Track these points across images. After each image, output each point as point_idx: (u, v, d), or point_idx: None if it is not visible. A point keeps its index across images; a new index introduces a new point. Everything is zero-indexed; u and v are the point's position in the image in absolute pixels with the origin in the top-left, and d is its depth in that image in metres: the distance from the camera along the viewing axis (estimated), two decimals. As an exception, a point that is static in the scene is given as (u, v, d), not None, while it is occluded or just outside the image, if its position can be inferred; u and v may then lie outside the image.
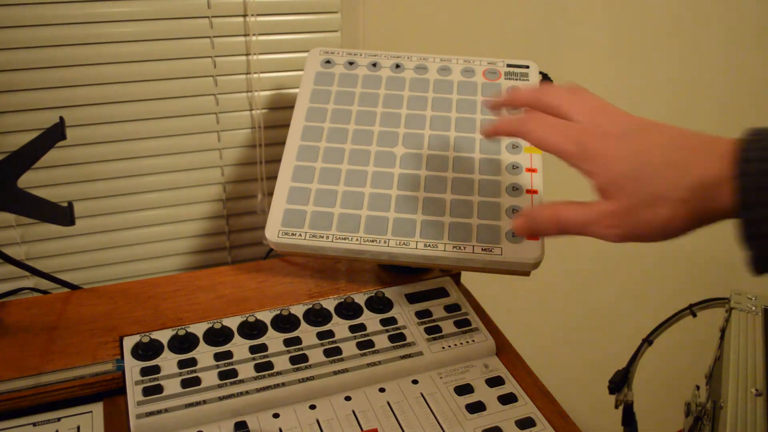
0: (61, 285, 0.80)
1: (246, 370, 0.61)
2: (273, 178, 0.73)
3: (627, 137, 0.49)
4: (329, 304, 0.69)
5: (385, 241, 0.65)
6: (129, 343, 0.64)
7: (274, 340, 0.65)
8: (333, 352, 0.64)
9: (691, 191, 0.45)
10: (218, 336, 0.64)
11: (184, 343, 0.63)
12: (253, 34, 0.84)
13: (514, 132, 0.55)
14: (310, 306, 0.68)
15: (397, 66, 0.78)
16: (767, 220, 0.42)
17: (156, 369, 0.61)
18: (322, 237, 0.65)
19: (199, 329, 0.65)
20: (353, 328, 0.67)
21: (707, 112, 1.23)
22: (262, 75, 0.87)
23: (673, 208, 0.46)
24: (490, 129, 0.57)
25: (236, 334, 0.65)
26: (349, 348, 0.64)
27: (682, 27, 1.15)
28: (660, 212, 0.46)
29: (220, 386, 0.60)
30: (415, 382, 0.64)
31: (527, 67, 0.78)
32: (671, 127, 0.49)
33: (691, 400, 0.73)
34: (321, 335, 0.66)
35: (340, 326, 0.67)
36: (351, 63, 0.78)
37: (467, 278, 0.76)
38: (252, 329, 0.65)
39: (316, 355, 0.63)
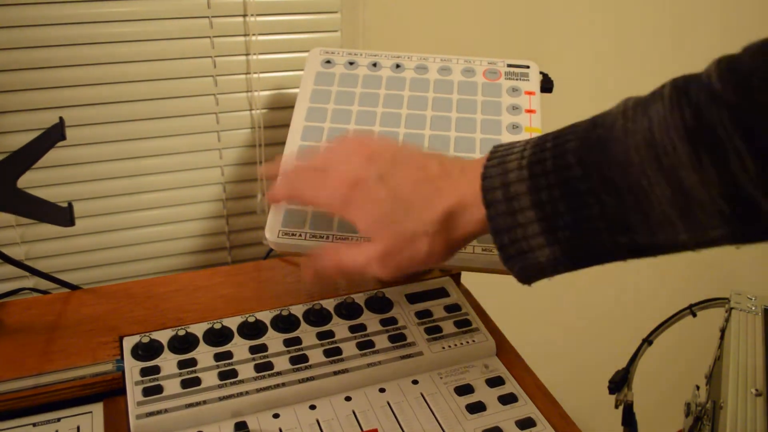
0: (61, 285, 0.80)
1: (246, 371, 0.61)
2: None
3: (383, 179, 0.51)
4: (329, 304, 0.69)
5: (385, 242, 0.65)
6: (129, 343, 0.63)
7: (274, 340, 0.65)
8: (333, 353, 0.64)
9: (441, 223, 0.49)
10: (218, 336, 0.64)
11: (184, 344, 0.63)
12: (253, 34, 0.84)
13: (289, 197, 0.59)
14: (310, 306, 0.68)
15: (397, 66, 0.78)
16: (516, 242, 0.45)
17: (156, 369, 0.61)
18: (322, 237, 0.65)
19: (199, 329, 0.65)
20: (353, 329, 0.67)
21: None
22: (262, 75, 0.87)
23: (429, 241, 0.49)
24: (269, 196, 0.61)
25: (236, 334, 0.65)
26: (349, 348, 0.64)
27: (682, 27, 1.15)
28: (418, 247, 0.50)
29: (220, 386, 0.60)
30: (415, 382, 0.63)
31: (527, 67, 0.78)
32: (428, 157, 0.52)
33: (691, 400, 0.73)
34: (321, 335, 0.66)
35: (340, 326, 0.67)
36: (351, 63, 0.78)
37: (467, 278, 0.76)
38: (252, 329, 0.65)
39: (316, 356, 0.63)
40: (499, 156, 0.47)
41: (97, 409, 0.60)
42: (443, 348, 0.66)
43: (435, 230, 0.49)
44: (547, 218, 0.44)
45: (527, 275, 0.47)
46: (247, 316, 0.66)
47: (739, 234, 0.40)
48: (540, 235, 0.44)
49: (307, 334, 0.66)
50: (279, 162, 0.63)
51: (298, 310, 0.68)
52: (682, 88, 0.41)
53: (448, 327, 0.68)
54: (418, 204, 0.50)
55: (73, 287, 0.79)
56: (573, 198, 0.43)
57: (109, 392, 0.61)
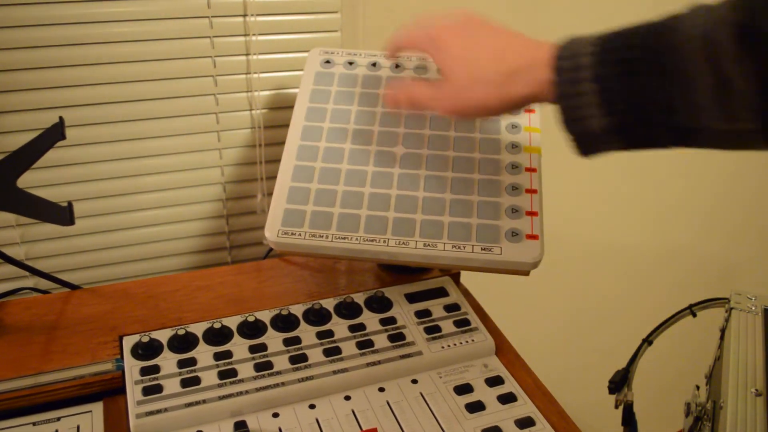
0: (61, 285, 0.80)
1: (246, 370, 0.61)
2: (273, 178, 0.73)
3: (466, 31, 0.60)
4: (329, 303, 0.69)
5: (384, 241, 0.65)
6: (129, 342, 0.64)
7: (273, 339, 0.65)
8: (332, 352, 0.64)
9: (503, 75, 0.55)
10: (218, 336, 0.64)
11: (183, 343, 0.63)
12: (253, 34, 0.84)
13: (397, 41, 0.69)
14: (310, 306, 0.68)
15: (397, 66, 0.78)
16: (575, 109, 0.50)
17: (156, 368, 0.61)
18: (322, 237, 0.65)
19: (198, 329, 0.65)
20: (353, 328, 0.67)
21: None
22: (262, 75, 0.87)
23: (486, 89, 0.56)
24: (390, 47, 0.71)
25: (236, 333, 0.65)
26: (348, 348, 0.64)
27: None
28: (476, 93, 0.57)
29: (219, 386, 0.60)
30: (414, 381, 0.64)
31: (527, 67, 0.78)
32: (507, 30, 0.59)
33: (691, 400, 0.73)
34: (320, 335, 0.66)
35: (339, 326, 0.67)
36: (351, 63, 0.78)
37: (467, 278, 0.76)
38: (251, 329, 0.65)
39: (315, 355, 0.63)
40: (578, 37, 0.52)
41: (97, 408, 0.60)
42: (443, 347, 0.66)
43: (496, 80, 0.56)
44: (605, 90, 0.49)
45: (583, 144, 0.52)
46: (246, 315, 0.66)
47: None
48: (596, 106, 0.49)
49: (306, 333, 0.66)
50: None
51: (297, 310, 0.68)
52: None
53: (447, 326, 0.68)
54: (490, 56, 0.56)
55: (73, 287, 0.79)
56: (630, 76, 0.48)
57: (108, 391, 0.61)
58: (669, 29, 0.48)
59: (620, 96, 0.48)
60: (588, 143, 0.52)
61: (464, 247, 0.64)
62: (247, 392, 0.59)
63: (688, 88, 0.46)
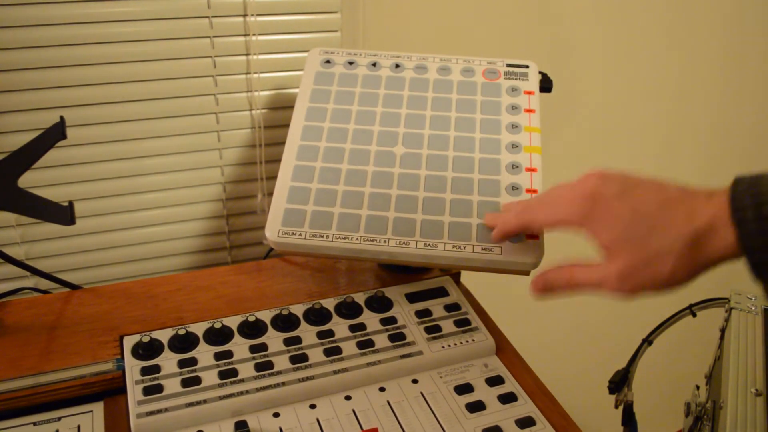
0: (61, 285, 0.80)
1: (246, 370, 0.61)
2: (273, 178, 0.73)
3: (624, 196, 0.52)
4: (329, 303, 0.69)
5: (385, 241, 0.65)
6: (129, 342, 0.64)
7: (274, 339, 0.65)
8: (333, 352, 0.64)
9: (688, 245, 0.49)
10: (218, 335, 0.64)
11: (184, 343, 0.63)
12: (253, 34, 0.84)
13: (522, 223, 0.60)
14: (310, 305, 0.68)
15: (397, 66, 0.78)
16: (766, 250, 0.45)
17: (156, 368, 0.61)
18: (322, 237, 0.65)
19: (199, 329, 0.65)
20: (353, 328, 0.67)
21: (705, 110, 1.23)
22: (262, 75, 0.87)
23: (673, 262, 0.49)
24: (499, 231, 0.62)
25: (236, 333, 0.65)
26: (349, 347, 0.64)
27: (681, 28, 1.15)
28: (662, 268, 0.49)
29: (220, 386, 0.60)
30: (415, 381, 0.64)
31: (527, 66, 0.78)
32: (660, 181, 0.52)
33: (691, 400, 0.73)
34: (321, 335, 0.66)
35: (340, 326, 0.67)
36: (351, 63, 0.78)
37: (467, 278, 0.76)
38: (252, 329, 0.65)
39: (316, 355, 0.63)
40: (748, 180, 0.48)
41: (98, 408, 0.60)
42: (443, 347, 0.66)
43: (681, 251, 0.49)
44: None
45: None
46: (247, 315, 0.66)
47: None
48: None
49: (307, 333, 0.66)
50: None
51: (298, 310, 0.68)
52: None
53: (447, 326, 0.68)
54: (664, 223, 0.50)
55: (74, 287, 0.79)
56: None
57: (109, 391, 0.61)
58: None
59: None
60: None
61: (464, 247, 0.64)
62: (247, 392, 0.59)
63: None
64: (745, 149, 1.31)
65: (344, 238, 0.65)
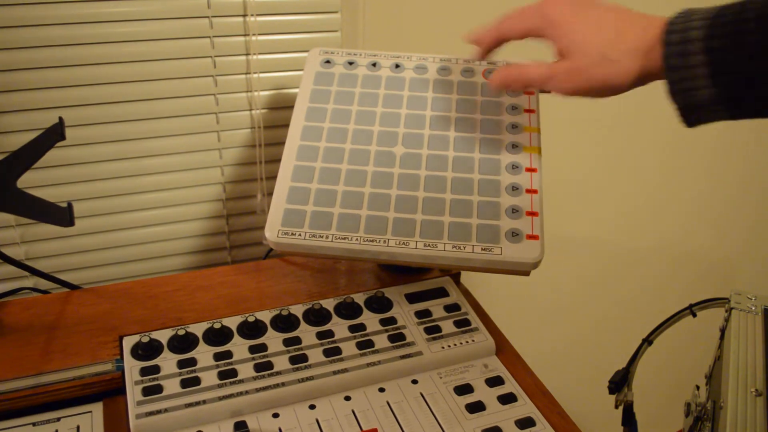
0: (61, 285, 0.80)
1: (246, 370, 0.61)
2: (273, 178, 0.73)
3: (583, 9, 0.60)
4: (329, 304, 0.69)
5: (384, 241, 0.65)
6: (129, 343, 0.64)
7: (273, 339, 0.65)
8: (332, 352, 0.64)
9: (629, 54, 0.56)
10: (218, 336, 0.64)
11: (183, 343, 0.63)
12: (253, 34, 0.84)
13: (495, 41, 0.67)
14: (310, 306, 0.68)
15: (397, 66, 0.78)
16: (683, 80, 0.52)
17: (156, 369, 0.61)
18: (322, 237, 0.65)
19: (198, 329, 0.65)
20: (353, 328, 0.67)
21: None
22: (262, 75, 0.87)
23: (612, 67, 0.56)
24: (477, 41, 0.69)
25: (236, 334, 0.65)
26: (348, 348, 0.64)
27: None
28: (605, 70, 0.57)
29: (219, 386, 0.60)
30: (414, 381, 0.64)
31: (527, 67, 0.78)
32: (615, 5, 0.60)
33: (691, 400, 0.73)
34: (321, 335, 0.66)
35: (339, 326, 0.67)
36: (351, 63, 0.78)
37: (467, 278, 0.76)
38: (252, 329, 0.65)
39: (315, 355, 0.63)
40: (689, 9, 0.53)
41: (97, 408, 0.60)
42: (443, 348, 0.66)
43: (622, 59, 0.56)
44: (715, 63, 0.50)
45: (689, 113, 0.54)
46: (246, 315, 0.66)
47: None
48: (706, 78, 0.51)
49: (306, 333, 0.66)
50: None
51: (297, 310, 0.68)
52: None
53: (447, 327, 0.68)
54: (615, 35, 0.57)
55: (73, 287, 0.79)
56: (742, 48, 0.49)
57: (108, 392, 0.61)
58: None
59: (730, 68, 0.49)
60: (694, 114, 0.53)
61: (464, 247, 0.64)
62: (247, 392, 0.59)
63: None
64: (751, 142, 1.31)
65: (344, 239, 0.65)
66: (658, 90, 0.55)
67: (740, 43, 0.49)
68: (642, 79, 0.57)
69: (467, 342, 0.67)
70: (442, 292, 0.72)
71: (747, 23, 0.49)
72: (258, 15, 0.84)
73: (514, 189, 0.68)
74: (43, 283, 0.84)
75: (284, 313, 0.67)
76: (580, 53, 0.58)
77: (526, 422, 0.60)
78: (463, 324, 0.69)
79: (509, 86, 0.67)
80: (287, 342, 0.65)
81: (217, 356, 0.63)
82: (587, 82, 0.58)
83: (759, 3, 0.50)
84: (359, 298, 0.70)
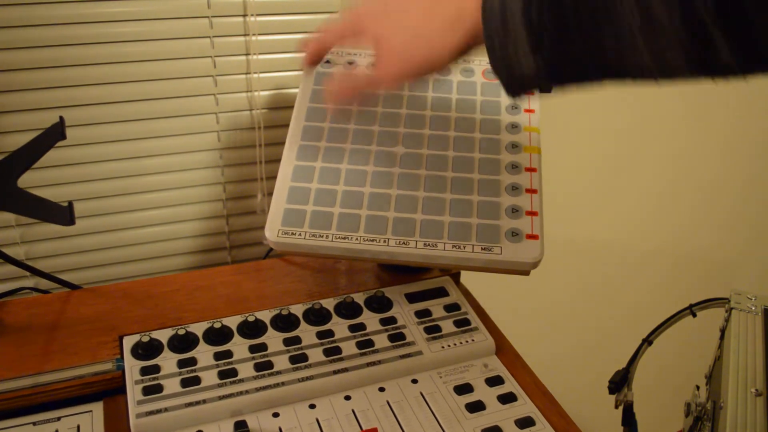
0: (61, 285, 0.80)
1: (246, 370, 0.61)
2: (273, 178, 0.73)
3: (385, 3, 0.59)
4: (329, 303, 0.69)
5: (384, 241, 0.65)
6: (129, 342, 0.64)
7: (273, 339, 0.65)
8: (332, 352, 0.64)
9: (443, 29, 0.55)
10: (218, 335, 0.64)
11: (183, 343, 0.63)
12: (253, 34, 0.84)
13: (319, 43, 0.67)
14: (310, 305, 0.68)
15: (397, 66, 0.77)
16: (505, 54, 0.51)
17: (156, 368, 0.61)
18: (322, 237, 0.65)
19: (198, 329, 0.65)
20: (353, 328, 0.67)
21: (702, 101, 1.23)
22: (262, 75, 0.87)
23: (425, 46, 0.56)
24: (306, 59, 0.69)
25: (236, 333, 0.65)
26: (348, 347, 0.64)
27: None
28: (417, 51, 0.56)
29: (219, 386, 0.60)
30: (414, 381, 0.64)
31: (527, 67, 0.78)
32: None
33: (691, 400, 0.73)
34: (321, 335, 0.66)
35: (339, 326, 0.67)
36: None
37: (467, 278, 0.76)
38: (252, 329, 0.65)
39: (315, 355, 0.63)
40: None
41: (97, 408, 0.60)
42: (443, 347, 0.66)
43: (434, 32, 0.55)
44: (534, 34, 0.49)
45: (512, 85, 0.53)
46: (246, 315, 0.66)
47: (695, 63, 0.46)
48: (526, 48, 0.50)
49: (306, 333, 0.66)
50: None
51: (297, 310, 0.68)
52: None
53: (447, 326, 0.68)
54: (423, 12, 0.56)
55: (73, 287, 0.79)
56: (558, 19, 0.49)
57: (109, 391, 0.61)
58: None
59: (550, 37, 0.49)
60: (517, 84, 0.53)
61: (464, 247, 0.64)
62: (247, 392, 0.59)
63: (615, 28, 0.47)
64: (753, 143, 1.31)
65: (344, 238, 0.65)
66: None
67: (558, 14, 0.48)
68: (462, 50, 0.56)
69: (467, 342, 0.67)
70: (442, 292, 0.73)
71: None
72: (258, 15, 0.84)
73: (514, 189, 0.68)
74: (44, 283, 0.84)
75: (284, 312, 0.67)
76: (389, 42, 0.58)
77: (526, 422, 0.60)
78: (463, 324, 0.69)
79: (347, 99, 0.67)
80: (287, 342, 0.65)
81: (217, 356, 0.63)
82: (405, 67, 0.57)
83: None
84: (359, 298, 0.70)
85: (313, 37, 0.67)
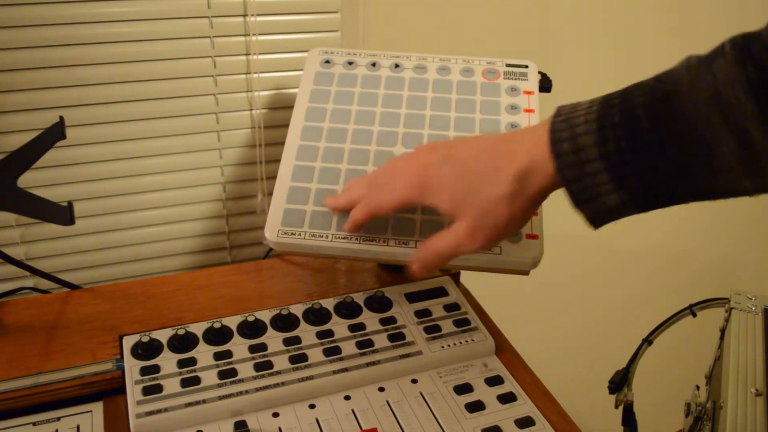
0: (61, 285, 0.80)
1: (245, 370, 0.61)
2: (273, 178, 0.73)
3: (448, 159, 0.55)
4: (329, 303, 0.69)
5: (384, 241, 0.65)
6: (129, 342, 0.64)
7: (273, 339, 0.65)
8: (332, 352, 0.64)
9: (515, 183, 0.51)
10: (218, 335, 0.64)
11: (183, 343, 0.63)
12: (253, 34, 0.84)
13: (371, 215, 0.61)
14: (310, 305, 0.68)
15: (397, 66, 0.78)
16: (585, 190, 0.48)
17: (156, 368, 0.61)
18: (322, 237, 0.65)
19: (198, 329, 0.65)
20: (353, 328, 0.67)
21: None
22: (262, 75, 0.87)
23: (506, 205, 0.52)
24: (347, 228, 0.64)
25: (236, 333, 0.65)
26: (348, 347, 0.64)
27: (680, 26, 1.15)
28: (499, 213, 0.52)
29: (219, 386, 0.60)
30: (414, 381, 0.63)
31: (526, 66, 0.78)
32: (481, 135, 0.56)
33: (691, 400, 0.73)
34: (320, 335, 0.66)
35: (339, 326, 0.67)
36: (350, 63, 0.78)
37: (467, 278, 0.76)
38: (251, 329, 0.65)
39: (315, 355, 0.63)
40: (565, 113, 0.50)
41: (97, 408, 0.60)
42: (442, 347, 0.66)
43: (511, 193, 0.52)
44: (614, 168, 0.47)
45: (596, 219, 0.50)
46: (246, 315, 0.66)
47: None
48: (608, 183, 0.48)
49: (306, 333, 0.66)
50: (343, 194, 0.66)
51: (297, 310, 0.68)
52: (742, 45, 0.43)
53: (447, 326, 0.68)
54: (488, 171, 0.53)
55: (73, 287, 0.79)
56: (639, 149, 0.46)
57: (108, 391, 0.61)
58: (671, 94, 0.45)
59: (632, 170, 0.47)
60: (601, 218, 0.50)
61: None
62: (247, 392, 0.59)
63: (707, 154, 0.44)
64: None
65: (344, 238, 0.65)
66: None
67: (637, 146, 0.46)
68: (542, 197, 0.53)
69: (467, 341, 0.67)
70: (441, 292, 0.72)
71: (639, 121, 0.46)
72: (258, 15, 0.84)
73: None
74: (44, 283, 0.84)
75: (284, 312, 0.67)
76: (465, 210, 0.54)
77: (526, 422, 0.60)
78: (462, 323, 0.69)
79: (431, 267, 0.60)
80: (287, 341, 0.65)
81: (217, 356, 0.62)
82: (492, 233, 0.54)
83: (643, 98, 0.47)
84: (359, 298, 0.70)
85: (357, 209, 0.61)
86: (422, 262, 0.59)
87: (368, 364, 0.63)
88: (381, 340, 0.66)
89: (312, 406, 0.60)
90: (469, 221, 0.54)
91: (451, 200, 0.54)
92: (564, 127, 0.49)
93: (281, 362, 0.62)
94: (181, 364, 0.61)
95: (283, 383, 0.60)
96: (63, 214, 0.67)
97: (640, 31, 1.12)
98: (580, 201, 0.49)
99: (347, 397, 0.61)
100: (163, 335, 0.64)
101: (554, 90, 0.78)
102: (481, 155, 0.54)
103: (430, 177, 0.55)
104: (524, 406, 0.61)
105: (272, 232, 0.65)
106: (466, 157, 0.54)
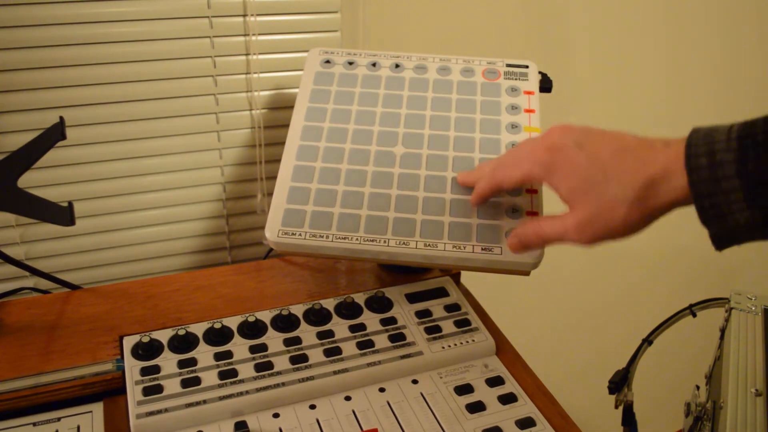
0: (61, 285, 0.80)
1: (246, 370, 0.61)
2: (273, 178, 0.73)
3: (582, 146, 0.55)
4: (329, 303, 0.69)
5: (385, 241, 0.65)
6: (129, 342, 0.64)
7: (274, 339, 0.65)
8: (333, 352, 0.64)
9: (642, 191, 0.51)
10: (218, 336, 0.64)
11: (184, 343, 0.63)
12: (253, 34, 0.84)
13: (493, 186, 0.63)
14: (310, 306, 0.68)
15: (397, 66, 0.78)
16: (716, 206, 0.48)
17: (156, 369, 0.61)
18: (322, 237, 0.65)
19: (199, 329, 0.65)
20: (353, 328, 0.67)
21: (702, 109, 1.23)
22: (262, 75, 0.87)
23: (625, 209, 0.52)
24: (471, 201, 0.66)
25: (236, 333, 0.65)
26: (349, 348, 0.64)
27: (680, 26, 1.15)
28: (615, 215, 0.52)
29: (220, 386, 0.60)
30: (415, 381, 0.64)
31: (526, 66, 0.78)
32: (620, 132, 0.55)
33: (691, 400, 0.73)
34: (321, 335, 0.66)
35: (340, 326, 0.67)
36: (350, 63, 0.78)
37: (467, 278, 0.76)
38: (252, 329, 0.65)
39: (316, 355, 0.63)
40: (704, 131, 0.50)
41: (97, 408, 0.60)
42: (443, 347, 0.66)
43: (634, 198, 0.51)
44: (750, 186, 0.47)
45: (722, 238, 0.50)
46: (247, 315, 0.66)
47: None
48: (741, 201, 0.47)
49: (307, 333, 0.66)
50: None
51: (298, 310, 0.68)
52: None
53: (447, 326, 0.68)
54: (619, 171, 0.52)
55: (73, 287, 0.79)
56: None
57: (109, 392, 0.61)
58: None
59: (766, 188, 0.47)
60: (728, 237, 0.50)
61: (464, 247, 0.64)
62: (247, 392, 0.59)
63: None
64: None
65: (344, 238, 0.65)
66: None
67: None
68: (665, 211, 0.52)
69: (467, 342, 0.67)
70: (442, 292, 0.72)
71: None
72: (258, 15, 0.84)
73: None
74: (44, 283, 0.84)
75: (284, 313, 0.67)
76: (586, 200, 0.54)
77: (527, 422, 0.60)
78: (463, 324, 0.69)
79: (528, 247, 0.62)
80: (287, 342, 0.65)
81: (218, 356, 0.62)
82: (604, 231, 0.54)
83: None
84: (359, 298, 0.70)
85: (483, 181, 0.63)
86: (522, 240, 0.60)
87: (369, 365, 0.63)
88: (381, 341, 0.66)
89: (312, 407, 0.60)
90: (582, 215, 0.54)
91: (573, 188, 0.54)
92: (702, 142, 0.49)
93: (282, 363, 0.62)
94: (182, 364, 0.61)
95: (283, 384, 0.60)
96: (63, 215, 0.66)
97: (640, 32, 1.12)
98: (709, 217, 0.49)
99: (348, 398, 0.61)
100: (163, 335, 0.64)
101: (554, 90, 0.78)
102: (618, 154, 0.53)
103: (559, 158, 0.55)
104: (525, 407, 0.61)
105: (272, 232, 0.65)
106: (602, 151, 0.54)
